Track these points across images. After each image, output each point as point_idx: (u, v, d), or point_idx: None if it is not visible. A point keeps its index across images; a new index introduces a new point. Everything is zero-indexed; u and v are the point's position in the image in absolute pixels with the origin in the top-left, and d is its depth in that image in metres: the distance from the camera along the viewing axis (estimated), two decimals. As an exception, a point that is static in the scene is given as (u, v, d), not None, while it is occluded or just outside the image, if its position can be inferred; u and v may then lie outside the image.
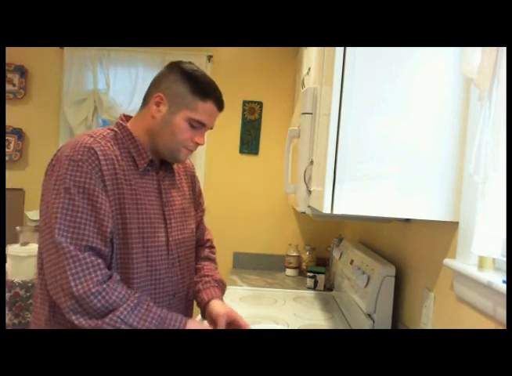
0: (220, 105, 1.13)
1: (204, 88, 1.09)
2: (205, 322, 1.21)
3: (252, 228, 2.78)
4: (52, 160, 1.06)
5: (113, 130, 1.11)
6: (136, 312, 0.97)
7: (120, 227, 1.04)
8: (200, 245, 1.36)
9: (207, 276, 1.27)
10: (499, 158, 0.84)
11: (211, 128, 1.16)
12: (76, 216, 0.97)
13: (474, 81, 0.90)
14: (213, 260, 1.36)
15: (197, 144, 1.13)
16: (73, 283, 0.94)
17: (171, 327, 1.00)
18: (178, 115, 1.08)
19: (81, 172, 0.99)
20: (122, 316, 0.95)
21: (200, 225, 1.35)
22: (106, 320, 0.94)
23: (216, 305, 1.17)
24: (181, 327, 1.01)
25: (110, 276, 0.99)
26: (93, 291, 0.94)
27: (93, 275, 0.96)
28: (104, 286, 0.96)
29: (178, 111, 1.08)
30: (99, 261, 0.98)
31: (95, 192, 0.99)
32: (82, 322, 0.95)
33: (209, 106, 1.10)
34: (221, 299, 1.23)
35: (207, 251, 1.36)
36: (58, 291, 0.96)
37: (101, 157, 1.02)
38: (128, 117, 1.17)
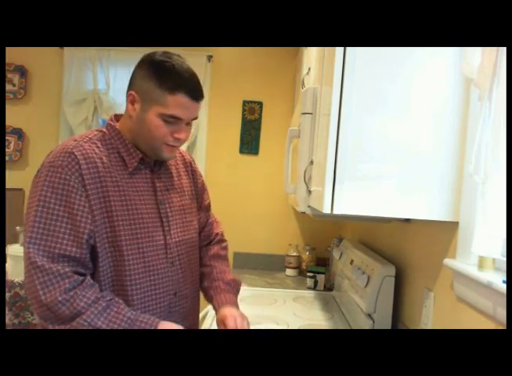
0: (194, 95, 1.05)
1: (172, 81, 1.02)
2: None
3: (252, 228, 2.78)
4: (40, 165, 1.06)
5: (101, 131, 1.11)
6: (105, 314, 0.97)
7: (109, 230, 1.03)
8: (208, 242, 1.34)
9: (217, 280, 1.25)
10: (499, 158, 0.84)
11: (195, 119, 1.10)
12: (50, 224, 0.97)
13: (474, 81, 0.90)
14: (222, 257, 1.33)
15: (177, 139, 1.08)
16: (41, 293, 0.95)
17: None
18: (149, 112, 1.04)
19: (59, 178, 0.99)
20: (89, 320, 0.95)
21: (207, 221, 1.33)
22: (74, 324, 0.95)
23: (220, 314, 1.15)
24: (152, 328, 0.99)
25: (82, 281, 0.99)
26: (60, 299, 0.94)
27: (60, 283, 0.95)
28: (71, 293, 0.96)
29: (149, 108, 1.04)
30: (67, 270, 0.97)
31: (71, 198, 0.99)
32: (56, 327, 0.96)
33: (180, 98, 1.02)
34: (232, 303, 1.19)
35: (216, 249, 1.33)
36: (30, 298, 0.98)
37: (82, 162, 1.01)
38: (118, 117, 1.15)
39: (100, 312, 0.97)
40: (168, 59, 1.05)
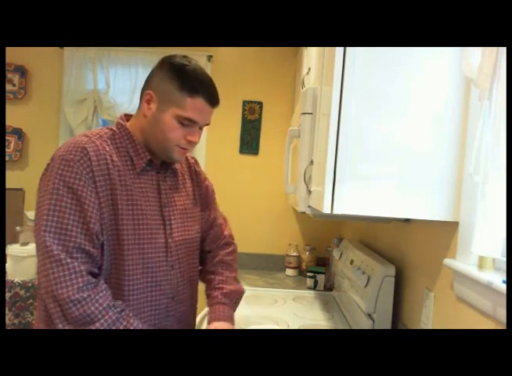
0: (212, 100, 1.07)
1: (193, 84, 1.04)
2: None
3: (252, 228, 2.77)
4: (49, 160, 1.05)
5: (111, 129, 1.11)
6: (114, 328, 0.96)
7: (114, 228, 1.03)
8: (215, 247, 1.32)
9: (217, 289, 1.24)
10: (499, 158, 0.84)
11: (208, 124, 1.12)
12: (63, 217, 0.97)
13: (474, 81, 0.90)
14: (227, 263, 1.31)
15: (190, 142, 1.09)
16: (54, 287, 0.94)
17: None
18: (166, 113, 1.04)
19: (71, 172, 0.99)
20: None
21: (214, 223, 1.31)
22: None
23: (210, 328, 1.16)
24: None
25: (96, 285, 0.98)
26: (72, 298, 0.94)
27: (74, 281, 0.95)
28: (85, 295, 0.95)
29: (167, 109, 1.04)
30: (82, 268, 0.96)
31: (83, 193, 0.98)
32: (66, 327, 0.95)
33: (198, 102, 1.04)
34: (226, 318, 1.19)
35: (221, 255, 1.31)
36: (43, 291, 0.97)
37: (93, 158, 1.01)
38: (128, 117, 1.15)
39: (110, 325, 0.96)
40: (188, 63, 1.07)
